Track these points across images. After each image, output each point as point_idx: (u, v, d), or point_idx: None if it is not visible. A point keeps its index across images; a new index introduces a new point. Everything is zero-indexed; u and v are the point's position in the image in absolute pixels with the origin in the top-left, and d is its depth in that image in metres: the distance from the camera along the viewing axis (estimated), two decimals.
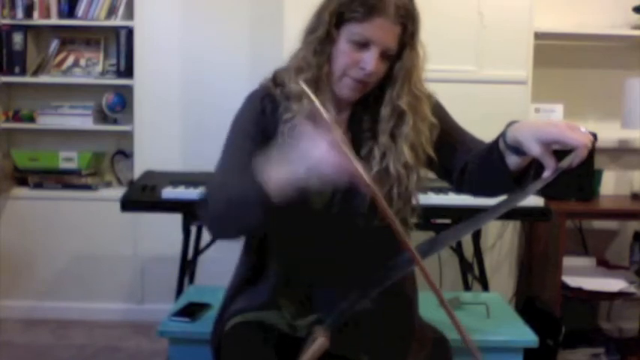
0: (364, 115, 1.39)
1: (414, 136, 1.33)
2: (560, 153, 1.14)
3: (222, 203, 1.21)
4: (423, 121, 1.34)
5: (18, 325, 3.15)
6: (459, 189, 1.42)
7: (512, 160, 1.22)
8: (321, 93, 1.31)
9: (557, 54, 3.09)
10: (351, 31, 1.27)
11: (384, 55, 1.29)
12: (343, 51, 1.29)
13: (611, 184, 3.16)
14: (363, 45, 1.27)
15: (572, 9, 3.09)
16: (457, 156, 1.38)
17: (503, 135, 1.21)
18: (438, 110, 1.42)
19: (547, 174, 1.14)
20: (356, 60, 1.28)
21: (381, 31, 1.26)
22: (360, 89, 1.33)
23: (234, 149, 1.34)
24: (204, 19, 3.23)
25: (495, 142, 1.24)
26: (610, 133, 3.07)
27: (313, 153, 1.04)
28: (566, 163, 1.14)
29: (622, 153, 3.18)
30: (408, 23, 1.29)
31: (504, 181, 1.24)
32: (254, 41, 3.21)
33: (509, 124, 1.21)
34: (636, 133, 3.06)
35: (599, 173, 2.96)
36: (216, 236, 1.38)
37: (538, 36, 2.82)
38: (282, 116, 1.32)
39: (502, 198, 1.24)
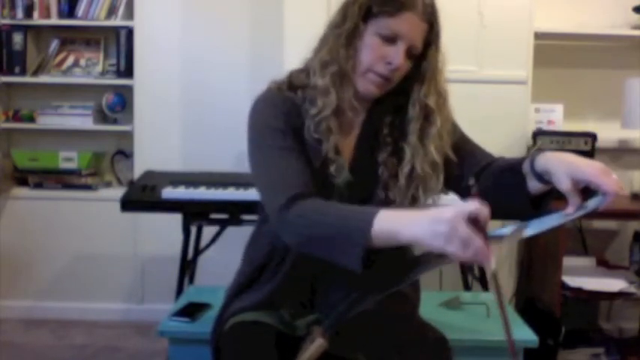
0: (384, 117, 1.39)
1: (438, 137, 1.33)
2: (585, 191, 1.14)
3: (318, 230, 1.14)
4: (446, 122, 1.35)
5: (18, 325, 3.15)
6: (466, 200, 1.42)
7: (533, 185, 1.22)
8: (345, 87, 1.31)
9: (557, 54, 3.09)
10: (380, 25, 1.28)
11: (408, 53, 1.29)
12: (370, 45, 1.29)
13: None
14: (390, 40, 1.27)
15: (572, 9, 3.09)
16: (467, 167, 1.38)
17: (531, 160, 1.21)
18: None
19: (570, 210, 1.14)
20: (382, 55, 1.28)
21: (410, 26, 1.27)
22: (383, 85, 1.32)
23: (275, 149, 1.28)
24: (204, 19, 3.23)
25: (518, 164, 1.24)
26: (610, 133, 3.07)
27: (454, 237, 0.98)
28: (591, 205, 1.13)
29: (622, 153, 3.18)
30: (434, 22, 1.31)
31: (521, 204, 1.24)
32: (254, 41, 3.21)
33: (538, 150, 1.21)
34: (636, 133, 3.06)
35: None
36: (293, 248, 1.26)
37: (538, 36, 2.82)
38: (308, 111, 1.31)
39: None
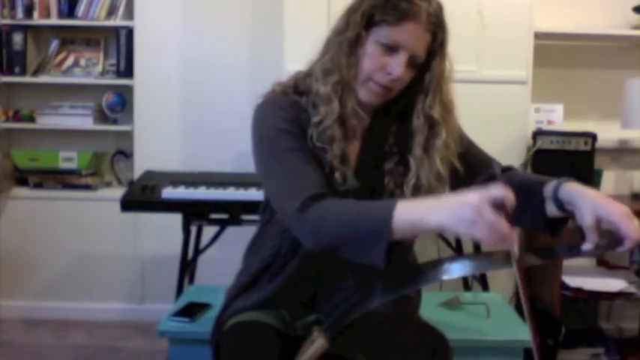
0: (389, 126, 1.37)
1: (444, 148, 1.32)
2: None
3: (338, 229, 1.13)
4: (452, 132, 1.34)
5: (18, 325, 3.15)
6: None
7: (551, 210, 1.22)
8: (348, 96, 1.30)
9: (557, 54, 3.09)
10: (381, 34, 1.26)
11: (411, 63, 1.28)
12: (370, 54, 1.27)
13: (611, 184, 3.16)
14: (391, 49, 1.26)
15: (572, 9, 3.09)
16: (475, 175, 1.37)
17: (555, 186, 1.20)
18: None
19: (586, 247, 1.14)
20: (383, 64, 1.27)
21: (412, 36, 1.25)
22: (383, 95, 1.31)
23: (285, 152, 1.26)
24: (204, 19, 3.23)
25: (539, 185, 1.24)
26: (610, 133, 3.07)
27: (480, 222, 0.99)
28: (609, 245, 1.13)
29: (622, 153, 3.18)
30: (438, 32, 1.29)
31: (535, 224, 1.25)
32: (254, 41, 3.21)
33: (565, 179, 1.21)
34: (636, 133, 3.06)
35: (599, 173, 2.95)
36: (314, 249, 1.21)
37: (538, 36, 2.82)
38: (311, 119, 1.30)
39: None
